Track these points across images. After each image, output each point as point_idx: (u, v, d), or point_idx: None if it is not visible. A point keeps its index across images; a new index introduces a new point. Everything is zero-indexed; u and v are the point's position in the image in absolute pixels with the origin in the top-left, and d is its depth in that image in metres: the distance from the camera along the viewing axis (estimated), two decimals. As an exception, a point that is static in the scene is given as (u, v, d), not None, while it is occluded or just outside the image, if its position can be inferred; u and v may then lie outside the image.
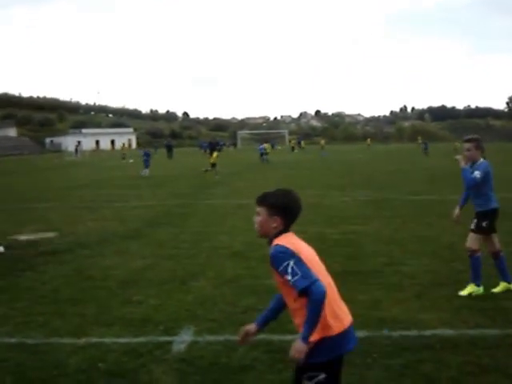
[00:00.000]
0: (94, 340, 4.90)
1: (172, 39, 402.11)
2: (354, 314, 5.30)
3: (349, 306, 5.58)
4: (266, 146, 44.06)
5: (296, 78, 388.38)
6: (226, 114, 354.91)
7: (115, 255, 8.71)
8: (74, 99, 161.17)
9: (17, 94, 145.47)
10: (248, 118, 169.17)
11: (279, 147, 74.93)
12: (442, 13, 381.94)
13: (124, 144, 52.36)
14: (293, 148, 66.15)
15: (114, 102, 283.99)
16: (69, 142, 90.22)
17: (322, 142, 72.22)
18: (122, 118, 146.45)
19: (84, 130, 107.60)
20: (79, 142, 67.53)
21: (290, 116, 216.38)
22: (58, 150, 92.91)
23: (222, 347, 4.73)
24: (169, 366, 4.30)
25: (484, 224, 6.05)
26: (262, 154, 40.10)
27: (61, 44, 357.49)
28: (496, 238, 6.23)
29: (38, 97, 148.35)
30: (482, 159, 6.08)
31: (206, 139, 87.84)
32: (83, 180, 26.22)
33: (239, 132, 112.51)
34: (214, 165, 25.99)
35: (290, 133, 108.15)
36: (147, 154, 28.50)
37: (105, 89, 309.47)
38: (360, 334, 4.91)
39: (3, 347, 4.80)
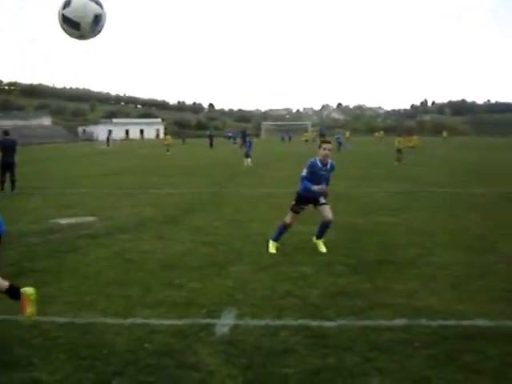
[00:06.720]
0: (140, 321, 5.01)
1: (197, 33, 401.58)
2: (391, 303, 5.44)
3: (385, 294, 5.69)
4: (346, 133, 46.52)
5: (318, 70, 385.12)
6: (249, 106, 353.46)
7: (154, 240, 8.89)
8: (105, 90, 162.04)
9: (51, 84, 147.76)
10: (271, 110, 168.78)
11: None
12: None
13: (166, 135, 50.15)
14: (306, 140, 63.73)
15: (143, 93, 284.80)
16: (100, 131, 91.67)
17: (347, 133, 71.24)
18: (150, 108, 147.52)
19: (114, 120, 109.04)
20: (110, 131, 68.02)
21: (312, 108, 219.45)
22: (90, 138, 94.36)
23: (264, 331, 4.79)
24: (214, 348, 4.39)
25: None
26: (340, 143, 41.68)
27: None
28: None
29: (70, 87, 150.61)
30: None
31: (232, 130, 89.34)
32: (115, 167, 26.62)
33: (263, 123, 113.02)
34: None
35: (313, 125, 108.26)
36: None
37: (134, 81, 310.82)
38: (399, 322, 4.98)
39: (54, 326, 4.91)
